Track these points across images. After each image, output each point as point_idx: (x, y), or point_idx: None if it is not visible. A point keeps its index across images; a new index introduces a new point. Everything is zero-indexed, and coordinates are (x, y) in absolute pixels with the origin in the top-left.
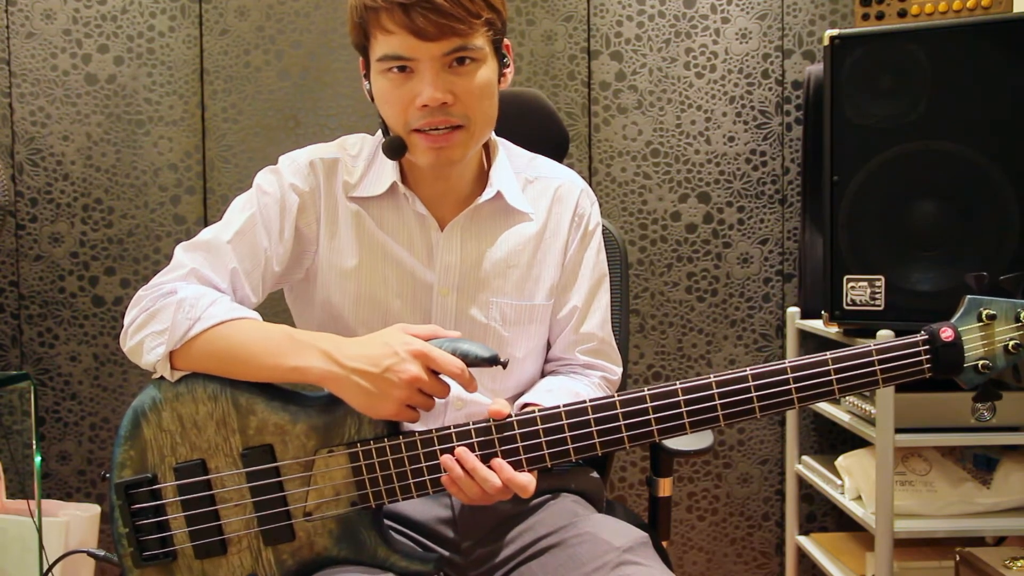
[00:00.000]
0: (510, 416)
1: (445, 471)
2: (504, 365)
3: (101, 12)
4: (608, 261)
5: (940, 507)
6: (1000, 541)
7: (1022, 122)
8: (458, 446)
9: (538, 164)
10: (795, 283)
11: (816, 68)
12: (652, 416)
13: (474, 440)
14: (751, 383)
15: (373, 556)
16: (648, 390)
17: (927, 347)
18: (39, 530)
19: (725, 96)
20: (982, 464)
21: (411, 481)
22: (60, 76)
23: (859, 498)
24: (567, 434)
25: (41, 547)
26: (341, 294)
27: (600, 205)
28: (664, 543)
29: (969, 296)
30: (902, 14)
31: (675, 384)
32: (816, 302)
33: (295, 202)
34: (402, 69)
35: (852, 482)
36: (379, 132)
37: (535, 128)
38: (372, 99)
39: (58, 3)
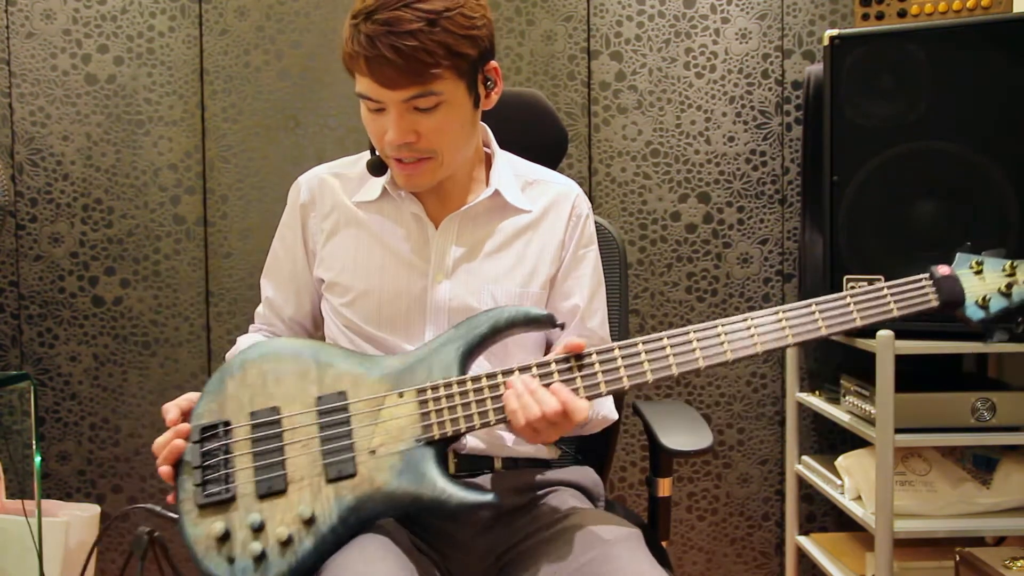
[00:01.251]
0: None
1: (508, 389)
2: (562, 327)
3: (101, 12)
4: (608, 261)
5: (940, 507)
6: (1000, 541)
7: (1022, 122)
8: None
9: (538, 170)
10: (795, 283)
11: (816, 68)
12: (697, 346)
13: (535, 373)
14: (781, 316)
15: (432, 487)
16: (693, 328)
17: (930, 280)
18: (39, 530)
19: (725, 96)
20: (982, 464)
21: (475, 411)
22: (60, 76)
23: (859, 498)
24: (620, 364)
25: (41, 547)
26: (340, 290)
27: (600, 205)
28: (664, 543)
29: (959, 251)
30: (902, 14)
31: (717, 323)
32: None
33: (299, 222)
34: (376, 105)
35: (852, 482)
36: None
37: (534, 128)
38: None
39: (58, 3)
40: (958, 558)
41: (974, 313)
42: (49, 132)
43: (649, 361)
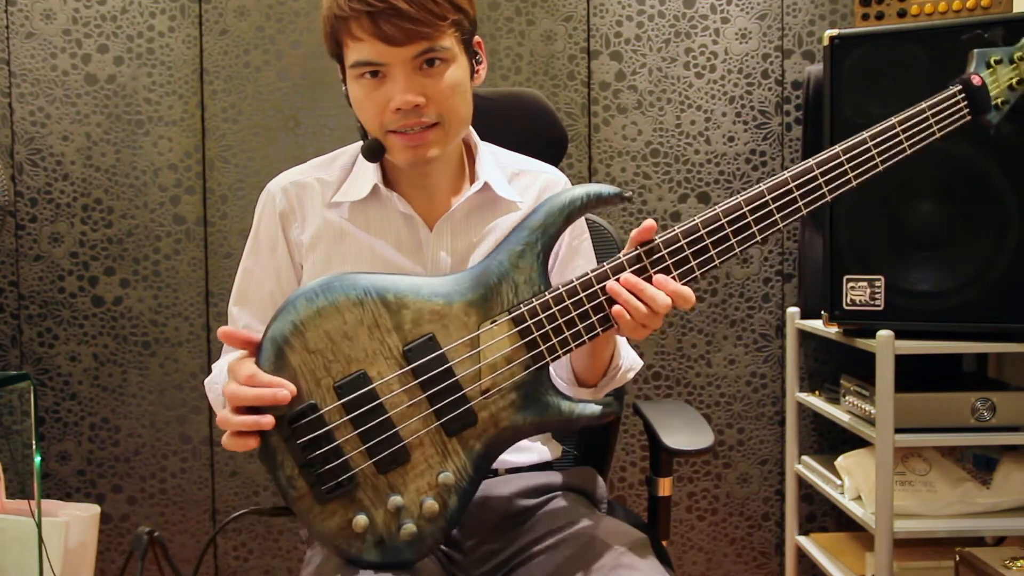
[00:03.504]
0: (655, 234)
1: (611, 296)
2: (631, 199)
3: (101, 12)
4: (606, 261)
5: (940, 507)
6: (1000, 541)
7: (1022, 122)
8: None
9: (523, 160)
10: (795, 283)
11: (816, 68)
12: (773, 207)
13: (628, 270)
14: (842, 157)
15: (558, 412)
16: (763, 187)
17: (963, 93)
18: (39, 530)
19: (725, 96)
20: (982, 464)
21: (580, 326)
22: (60, 76)
23: (859, 498)
24: (707, 242)
25: (41, 547)
26: None
27: None
28: (664, 543)
29: (976, 50)
30: (902, 14)
31: (783, 174)
32: (816, 302)
33: (281, 234)
34: (374, 74)
35: (852, 482)
36: (358, 142)
37: (534, 128)
38: (350, 104)
39: (58, 3)
40: (958, 558)
41: (993, 116)
42: (49, 132)
43: (734, 233)
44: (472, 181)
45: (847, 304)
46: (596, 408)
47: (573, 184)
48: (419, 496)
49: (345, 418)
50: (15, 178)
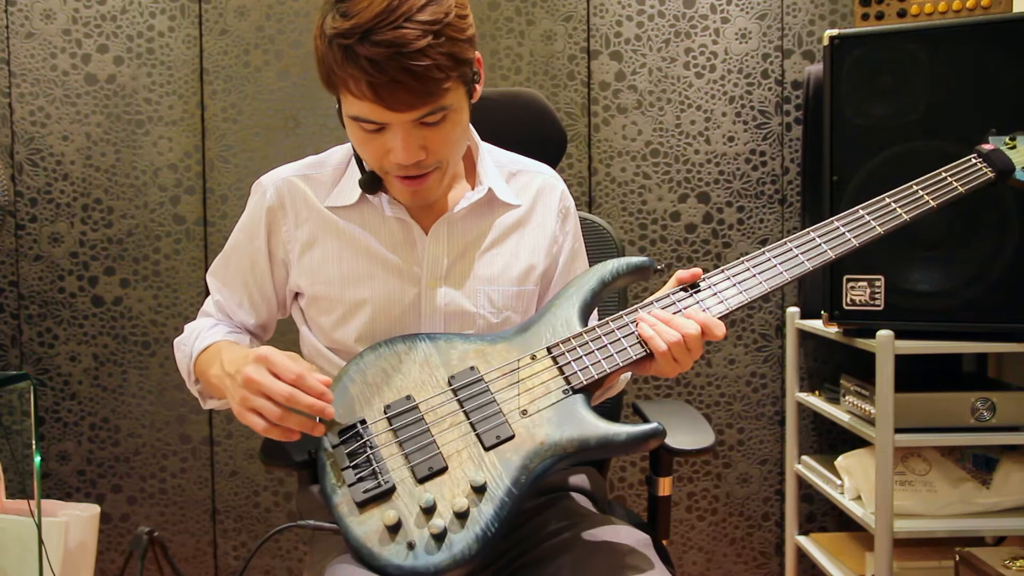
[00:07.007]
0: (701, 275)
1: (640, 323)
2: (662, 271)
3: (101, 12)
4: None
5: (940, 507)
6: (1000, 541)
7: (1022, 122)
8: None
9: (519, 159)
10: (795, 283)
11: (816, 68)
12: (797, 252)
13: (659, 307)
14: (864, 212)
15: (597, 429)
16: (789, 240)
17: (979, 157)
18: (39, 530)
19: (725, 96)
20: (982, 464)
21: (613, 352)
22: (60, 76)
23: (859, 498)
24: (733, 282)
25: (41, 547)
26: (326, 305)
27: (600, 205)
28: (664, 543)
29: (990, 136)
30: (902, 14)
31: (808, 231)
32: (816, 302)
33: (264, 227)
34: (373, 125)
35: (852, 482)
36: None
37: (534, 128)
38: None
39: (58, 3)
40: (958, 558)
41: (1022, 176)
42: (49, 132)
43: (759, 273)
44: (473, 182)
45: (847, 304)
46: (638, 429)
47: (568, 186)
48: (452, 499)
49: (389, 429)
50: (15, 178)
